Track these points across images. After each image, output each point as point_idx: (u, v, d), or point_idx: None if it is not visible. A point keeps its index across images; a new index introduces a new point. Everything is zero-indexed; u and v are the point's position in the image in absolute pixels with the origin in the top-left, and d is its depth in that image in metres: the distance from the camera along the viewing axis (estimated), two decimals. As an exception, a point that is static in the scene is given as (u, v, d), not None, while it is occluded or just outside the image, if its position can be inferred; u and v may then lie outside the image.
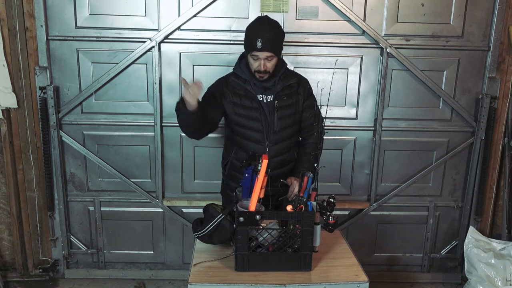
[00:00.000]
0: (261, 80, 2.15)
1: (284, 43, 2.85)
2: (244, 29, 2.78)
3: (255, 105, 2.16)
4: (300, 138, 2.35)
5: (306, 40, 2.89)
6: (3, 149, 2.90)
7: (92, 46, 2.85)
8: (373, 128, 3.05)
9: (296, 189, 1.98)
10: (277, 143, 2.19)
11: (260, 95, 2.18)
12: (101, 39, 2.83)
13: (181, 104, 1.99)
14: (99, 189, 3.10)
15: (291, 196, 2.10)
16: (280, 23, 2.80)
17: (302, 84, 2.27)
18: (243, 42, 2.79)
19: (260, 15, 2.81)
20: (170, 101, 2.95)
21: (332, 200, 1.85)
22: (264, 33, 2.06)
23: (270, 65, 2.10)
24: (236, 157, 2.24)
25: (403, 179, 3.16)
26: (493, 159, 3.08)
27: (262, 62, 2.08)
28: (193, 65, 2.90)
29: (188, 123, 2.07)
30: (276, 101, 2.16)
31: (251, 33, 2.10)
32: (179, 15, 2.81)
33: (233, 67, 2.27)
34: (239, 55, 2.29)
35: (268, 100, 2.18)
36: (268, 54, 2.07)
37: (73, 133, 2.98)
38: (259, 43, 2.03)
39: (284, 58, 2.89)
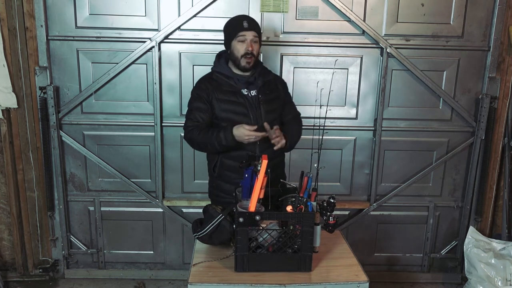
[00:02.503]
0: (246, 69, 2.17)
1: (284, 43, 2.88)
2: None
3: (241, 100, 2.17)
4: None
5: (306, 40, 2.89)
6: (3, 149, 2.90)
7: (92, 46, 2.85)
8: (373, 128, 3.05)
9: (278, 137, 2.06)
10: (266, 137, 2.18)
11: (244, 90, 2.20)
12: (101, 39, 2.83)
13: (228, 141, 2.06)
14: (99, 189, 3.10)
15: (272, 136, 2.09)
16: (280, 23, 2.86)
17: (279, 79, 2.38)
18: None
19: (260, 15, 2.81)
20: (170, 101, 2.96)
21: (332, 201, 1.85)
22: (247, 17, 2.22)
23: (256, 47, 2.17)
24: (225, 156, 2.21)
25: (403, 179, 3.16)
26: (493, 159, 3.08)
27: (249, 42, 2.13)
28: (193, 65, 2.91)
29: (215, 150, 2.16)
30: (260, 95, 2.20)
31: (234, 19, 2.20)
32: (179, 15, 2.82)
33: (212, 67, 2.28)
34: (216, 55, 2.29)
35: (252, 95, 2.20)
36: (254, 33, 2.14)
37: (73, 133, 2.98)
38: (245, 23, 2.14)
39: (284, 58, 2.92)
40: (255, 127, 2.03)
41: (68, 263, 3.22)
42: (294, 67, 2.93)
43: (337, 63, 2.87)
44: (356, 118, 3.05)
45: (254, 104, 2.19)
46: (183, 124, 2.91)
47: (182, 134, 2.94)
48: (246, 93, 2.19)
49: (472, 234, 3.03)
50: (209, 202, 2.29)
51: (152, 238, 3.21)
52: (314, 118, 2.36)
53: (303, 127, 2.37)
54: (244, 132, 2.01)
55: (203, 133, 2.14)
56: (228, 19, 2.24)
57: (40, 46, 2.80)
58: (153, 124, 2.96)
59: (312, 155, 1.94)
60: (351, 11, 2.83)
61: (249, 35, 2.13)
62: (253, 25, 2.15)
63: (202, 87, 2.21)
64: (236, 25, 2.15)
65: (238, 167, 2.03)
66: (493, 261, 2.86)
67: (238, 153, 2.13)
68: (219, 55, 2.28)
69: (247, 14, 2.81)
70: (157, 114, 2.93)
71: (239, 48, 2.14)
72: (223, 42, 2.82)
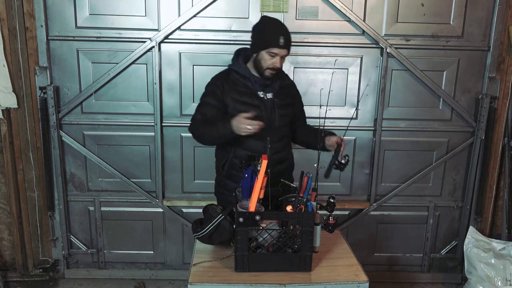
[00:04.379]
0: (268, 78, 2.14)
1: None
2: (245, 29, 2.83)
3: (256, 102, 2.16)
4: (298, 134, 2.38)
5: (306, 40, 2.89)
6: (3, 149, 2.90)
7: (92, 46, 2.85)
8: (373, 128, 3.05)
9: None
10: (277, 141, 2.19)
11: (260, 92, 2.18)
12: (101, 39, 2.83)
13: (226, 130, 2.02)
14: (99, 189, 3.10)
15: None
16: (280, 23, 2.84)
17: (294, 86, 2.37)
18: (243, 42, 2.82)
19: (260, 15, 2.81)
20: (170, 101, 2.96)
21: (332, 201, 1.85)
22: (285, 31, 2.10)
23: (282, 62, 2.14)
24: (236, 156, 2.21)
25: (403, 179, 3.16)
26: (493, 159, 3.07)
27: (279, 59, 2.09)
28: (193, 65, 2.91)
29: (214, 141, 2.20)
30: (276, 99, 2.19)
31: (272, 30, 2.10)
32: (179, 15, 2.82)
33: (229, 64, 2.24)
34: (235, 53, 2.26)
35: (268, 98, 2.19)
36: (286, 52, 2.10)
37: (73, 133, 2.98)
38: (281, 40, 2.05)
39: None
40: (253, 114, 1.99)
41: (68, 263, 3.22)
42: (294, 67, 2.93)
43: (337, 63, 2.87)
44: (356, 118, 3.05)
45: (269, 107, 2.18)
46: (183, 124, 2.97)
47: (183, 135, 3.00)
48: (262, 95, 2.18)
49: (472, 234, 3.03)
50: (209, 202, 2.29)
51: (152, 238, 3.21)
52: (314, 118, 2.36)
53: None
54: (240, 120, 1.97)
55: (206, 124, 2.12)
56: (263, 19, 2.18)
57: (40, 46, 2.80)
58: (153, 124, 2.96)
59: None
60: (351, 11, 2.83)
61: (282, 52, 2.08)
62: (288, 43, 2.09)
63: (218, 84, 2.18)
64: (272, 39, 2.06)
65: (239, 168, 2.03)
66: (493, 261, 2.86)
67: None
68: (238, 53, 2.24)
69: (246, 15, 2.83)
70: (157, 114, 2.93)
71: (267, 60, 2.09)
72: (223, 42, 2.86)
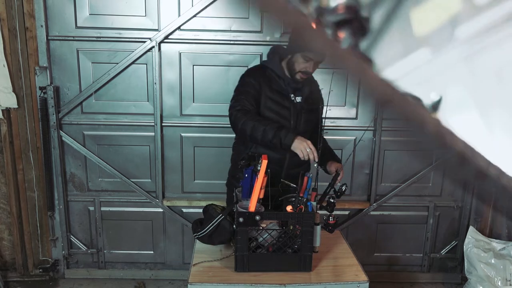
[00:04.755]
0: (297, 81, 2.14)
1: (284, 43, 2.86)
2: (245, 29, 2.83)
3: (287, 104, 2.16)
4: None
5: (306, 40, 2.88)
6: (3, 149, 2.90)
7: (92, 46, 2.85)
8: (373, 128, 3.05)
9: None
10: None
11: (291, 94, 2.18)
12: (101, 39, 2.83)
13: (286, 141, 1.96)
14: (99, 189, 3.10)
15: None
16: (280, 23, 2.84)
17: (321, 93, 2.35)
18: (243, 42, 2.83)
19: (260, 15, 2.81)
20: (170, 101, 2.96)
21: (332, 201, 1.85)
22: None
23: (315, 68, 2.14)
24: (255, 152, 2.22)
25: (403, 179, 3.16)
26: (493, 159, 3.07)
27: (312, 64, 2.09)
28: (193, 65, 2.90)
29: (258, 137, 2.02)
30: (304, 104, 2.19)
31: None
32: (179, 15, 2.81)
33: (264, 61, 2.24)
34: (271, 50, 2.24)
35: (297, 101, 2.19)
36: (321, 59, 2.09)
37: (73, 133, 2.98)
38: None
39: (284, 58, 2.91)
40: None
41: (68, 263, 3.22)
42: (294, 67, 2.92)
43: (337, 63, 2.86)
44: (356, 118, 3.05)
45: (297, 111, 2.18)
46: (183, 124, 2.97)
47: (183, 135, 2.99)
48: (293, 98, 2.18)
49: (472, 234, 3.03)
50: (209, 202, 2.29)
51: (152, 238, 3.21)
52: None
53: None
54: (309, 145, 1.93)
55: (261, 119, 2.04)
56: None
57: (40, 46, 2.80)
58: (153, 124, 2.96)
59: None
60: (351, 11, 2.83)
61: (317, 58, 2.08)
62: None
63: (256, 78, 2.15)
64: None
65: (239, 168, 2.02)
66: (493, 261, 2.87)
67: (269, 155, 2.11)
68: (273, 51, 2.23)
69: (246, 15, 2.82)
70: (157, 114, 2.93)
71: (301, 63, 2.09)
72: (223, 42, 2.86)
